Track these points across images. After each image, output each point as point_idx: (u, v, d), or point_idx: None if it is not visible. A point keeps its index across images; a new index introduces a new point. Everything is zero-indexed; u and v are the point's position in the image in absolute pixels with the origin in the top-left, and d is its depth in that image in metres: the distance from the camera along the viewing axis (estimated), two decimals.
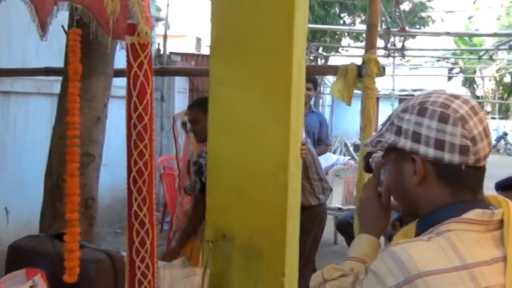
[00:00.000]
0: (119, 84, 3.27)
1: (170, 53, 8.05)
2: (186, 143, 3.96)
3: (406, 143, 1.20)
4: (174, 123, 3.89)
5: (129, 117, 1.78)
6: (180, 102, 7.60)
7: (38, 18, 2.07)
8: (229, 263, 2.50)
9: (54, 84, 3.94)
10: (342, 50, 14.02)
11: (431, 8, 14.88)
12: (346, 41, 14.37)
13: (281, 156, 2.44)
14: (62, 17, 2.48)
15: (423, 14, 14.59)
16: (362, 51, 3.34)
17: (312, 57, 11.88)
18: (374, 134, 1.34)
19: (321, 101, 15.65)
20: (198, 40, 22.54)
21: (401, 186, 1.24)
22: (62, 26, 2.99)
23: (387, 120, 1.28)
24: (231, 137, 2.48)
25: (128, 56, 1.76)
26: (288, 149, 2.44)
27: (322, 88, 14.11)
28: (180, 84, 8.14)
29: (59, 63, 3.58)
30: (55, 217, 3.50)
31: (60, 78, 3.62)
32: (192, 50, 15.30)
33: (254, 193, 2.47)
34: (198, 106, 3.43)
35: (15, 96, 4.61)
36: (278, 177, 2.44)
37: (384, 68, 3.16)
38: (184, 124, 3.75)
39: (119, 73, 3.43)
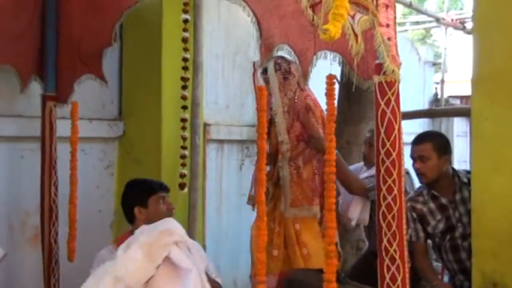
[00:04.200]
0: None
1: (448, 96, 7.83)
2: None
3: None
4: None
5: (377, 153, 1.83)
6: (460, 146, 7.22)
7: (302, 69, 2.32)
8: None
9: None
10: None
11: None
12: None
13: None
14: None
15: None
16: None
17: None
18: None
19: None
20: None
21: None
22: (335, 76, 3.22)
23: None
24: (498, 174, 2.29)
25: (375, 94, 1.84)
26: None
27: None
28: (460, 127, 7.76)
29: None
30: None
31: None
32: None
33: None
34: (430, 142, 2.74)
35: None
36: None
37: None
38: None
39: None
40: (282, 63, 3.05)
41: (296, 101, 3.02)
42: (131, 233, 2.37)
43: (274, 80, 3.04)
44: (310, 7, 1.57)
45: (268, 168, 3.17)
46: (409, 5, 6.41)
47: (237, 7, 4.22)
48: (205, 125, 3.92)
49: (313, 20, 1.55)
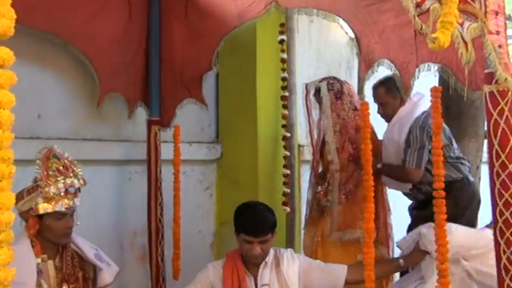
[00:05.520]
0: None
1: None
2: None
3: None
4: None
5: (491, 166, 1.74)
6: None
7: (403, 82, 2.27)
8: None
9: None
10: None
11: None
12: None
13: None
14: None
15: None
16: None
17: None
18: None
19: None
20: None
21: None
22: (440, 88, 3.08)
23: None
24: None
25: (486, 104, 1.75)
26: None
27: None
28: None
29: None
30: None
31: None
32: None
33: None
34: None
35: None
36: None
37: None
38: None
39: None
40: (334, 84, 3.08)
41: (348, 120, 3.00)
42: (238, 251, 2.42)
43: (327, 100, 3.07)
44: (418, 16, 1.55)
45: (319, 188, 3.16)
46: (508, 17, 6.11)
47: (327, 29, 4.26)
48: (299, 146, 3.93)
49: (421, 29, 1.52)
